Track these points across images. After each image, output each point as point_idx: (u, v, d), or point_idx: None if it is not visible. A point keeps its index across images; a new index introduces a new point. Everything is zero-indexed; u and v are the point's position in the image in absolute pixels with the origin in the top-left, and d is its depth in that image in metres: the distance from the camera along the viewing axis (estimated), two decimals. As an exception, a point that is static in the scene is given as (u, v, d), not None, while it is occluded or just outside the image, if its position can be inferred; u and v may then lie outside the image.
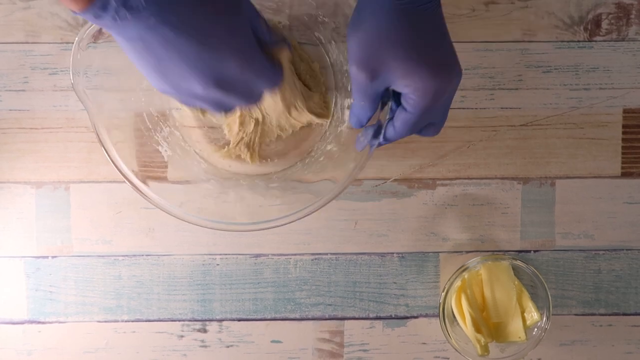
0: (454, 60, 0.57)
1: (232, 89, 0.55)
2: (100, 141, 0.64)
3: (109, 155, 0.64)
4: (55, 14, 0.73)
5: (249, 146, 0.73)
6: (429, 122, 0.60)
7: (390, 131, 0.60)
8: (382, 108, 0.60)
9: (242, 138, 0.73)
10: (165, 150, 0.71)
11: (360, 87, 0.57)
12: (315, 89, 0.72)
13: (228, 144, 0.73)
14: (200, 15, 0.51)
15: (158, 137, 0.72)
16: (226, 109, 0.59)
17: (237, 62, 0.54)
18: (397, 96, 0.59)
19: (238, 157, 0.73)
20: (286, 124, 0.72)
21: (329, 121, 0.73)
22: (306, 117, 0.71)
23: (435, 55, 0.55)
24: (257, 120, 0.72)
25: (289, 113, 0.70)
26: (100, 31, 0.63)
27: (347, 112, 0.71)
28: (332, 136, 0.72)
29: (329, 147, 0.72)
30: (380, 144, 0.62)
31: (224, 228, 0.65)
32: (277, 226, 0.64)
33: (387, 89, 0.58)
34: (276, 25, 0.71)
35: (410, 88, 0.56)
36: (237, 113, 0.72)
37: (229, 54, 0.53)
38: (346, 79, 0.72)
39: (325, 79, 0.73)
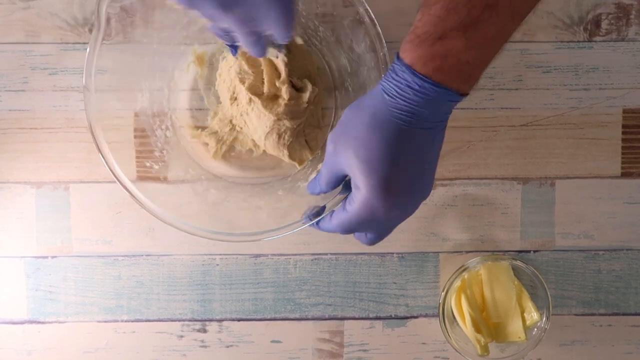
0: (413, 199, 0.56)
1: (238, 12, 0.52)
2: (98, 148, 0.64)
3: (106, 163, 0.64)
4: (55, 14, 0.73)
5: (218, 141, 0.73)
6: (366, 231, 0.60)
7: (325, 221, 0.61)
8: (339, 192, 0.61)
9: (217, 132, 0.73)
10: (165, 151, 0.71)
11: (326, 156, 0.57)
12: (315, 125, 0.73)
13: (205, 128, 0.74)
14: None
15: (158, 137, 0.72)
16: (225, 39, 0.58)
17: None
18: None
19: (205, 144, 0.73)
20: (259, 144, 0.72)
21: (301, 166, 0.73)
22: (280, 154, 0.72)
23: (396, 181, 0.54)
24: (234, 126, 0.73)
25: (268, 143, 0.71)
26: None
27: None
28: None
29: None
30: (312, 226, 0.62)
31: (223, 239, 0.65)
32: (279, 236, 0.64)
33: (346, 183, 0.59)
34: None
35: (357, 190, 0.55)
36: (225, 108, 0.72)
37: None
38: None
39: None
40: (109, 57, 0.68)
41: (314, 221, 0.62)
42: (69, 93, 0.73)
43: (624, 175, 0.75)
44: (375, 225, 0.58)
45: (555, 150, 0.75)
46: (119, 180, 0.64)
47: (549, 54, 0.74)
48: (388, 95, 0.53)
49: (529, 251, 0.75)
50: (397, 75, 0.52)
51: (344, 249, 0.75)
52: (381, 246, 0.75)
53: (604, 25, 0.74)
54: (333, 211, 0.60)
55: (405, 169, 0.54)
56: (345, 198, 0.58)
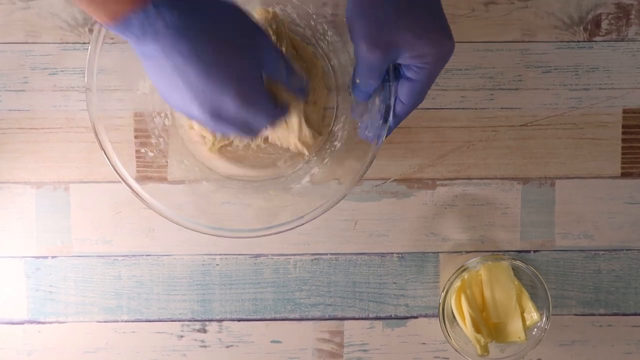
0: (449, 27, 0.58)
1: (227, 122, 0.58)
2: (100, 146, 0.64)
3: (109, 161, 0.64)
4: (55, 14, 0.73)
5: (214, 135, 0.73)
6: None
7: (398, 107, 0.62)
8: (392, 79, 0.61)
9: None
10: (165, 151, 0.71)
11: (369, 66, 0.58)
12: (317, 106, 0.72)
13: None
14: (209, 50, 0.54)
15: (157, 137, 0.72)
16: (223, 135, 0.62)
17: (235, 101, 0.56)
18: (395, 73, 0.60)
19: (202, 137, 0.73)
20: (281, 140, 0.72)
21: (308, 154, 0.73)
22: (290, 145, 0.71)
23: (437, 23, 0.57)
24: None
25: (288, 134, 0.71)
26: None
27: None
28: (340, 135, 0.72)
29: (336, 146, 0.72)
30: (391, 129, 0.63)
31: (226, 235, 0.65)
32: (283, 231, 0.64)
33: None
34: (300, 72, 0.70)
35: (420, 56, 0.57)
36: None
37: (227, 92, 0.55)
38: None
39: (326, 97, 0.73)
40: (109, 56, 0.68)
41: (389, 121, 0.62)
42: (69, 93, 0.73)
43: (624, 175, 0.75)
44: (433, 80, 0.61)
45: (555, 150, 0.75)
46: (123, 179, 0.64)
47: (549, 54, 0.74)
48: None
49: (529, 251, 0.75)
50: None
51: (344, 249, 0.75)
52: (381, 246, 0.75)
53: (604, 25, 0.74)
54: (395, 98, 0.61)
55: (434, 9, 0.57)
56: (397, 79, 0.60)
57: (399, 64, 0.59)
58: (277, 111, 0.61)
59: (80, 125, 0.73)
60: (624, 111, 0.75)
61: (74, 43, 0.73)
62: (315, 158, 0.73)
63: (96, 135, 0.64)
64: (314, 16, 0.70)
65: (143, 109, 0.72)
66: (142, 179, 0.70)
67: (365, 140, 0.65)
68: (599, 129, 0.75)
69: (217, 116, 0.57)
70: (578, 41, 0.74)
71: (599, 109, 0.75)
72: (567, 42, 0.74)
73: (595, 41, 0.74)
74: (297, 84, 0.63)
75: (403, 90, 0.60)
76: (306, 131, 0.70)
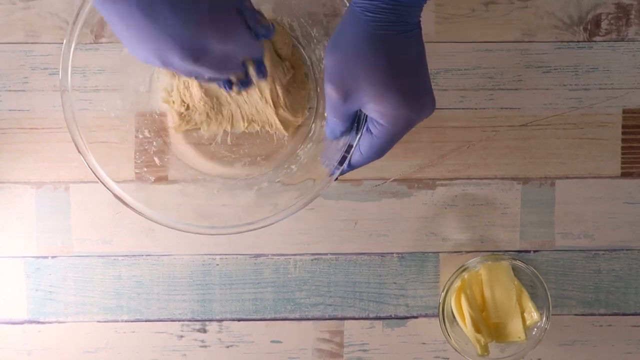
0: (428, 91, 0.57)
1: (208, 62, 0.56)
2: (76, 147, 0.64)
3: (85, 160, 0.64)
4: (55, 14, 0.73)
5: (180, 115, 0.72)
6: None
7: (356, 155, 0.61)
8: (357, 129, 0.61)
9: (182, 101, 0.72)
10: (160, 152, 0.72)
11: (332, 106, 0.58)
12: (300, 86, 0.72)
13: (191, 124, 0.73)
14: None
15: (157, 137, 0.72)
16: (200, 78, 0.61)
17: (217, 36, 0.54)
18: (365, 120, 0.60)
19: (172, 116, 0.72)
20: (256, 116, 0.71)
21: (301, 120, 0.73)
22: (282, 114, 0.71)
23: (408, 85, 0.56)
24: (214, 99, 0.71)
25: (265, 105, 0.70)
26: (100, 30, 0.63)
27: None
28: (316, 136, 0.72)
29: (311, 147, 0.72)
30: (344, 172, 0.63)
31: (206, 232, 0.65)
32: (258, 228, 0.65)
33: (360, 111, 0.59)
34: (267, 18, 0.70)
35: (379, 113, 0.56)
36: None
37: (209, 27, 0.54)
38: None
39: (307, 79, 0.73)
40: (107, 56, 0.68)
41: (344, 166, 0.62)
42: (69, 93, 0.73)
43: (624, 175, 0.75)
44: (400, 137, 0.59)
45: (555, 150, 0.75)
46: (99, 179, 0.65)
47: (549, 54, 0.74)
48: (368, 13, 0.54)
49: (529, 251, 0.75)
50: None
51: (344, 249, 0.75)
52: (381, 246, 0.75)
53: (604, 25, 0.74)
54: (356, 146, 0.61)
55: (412, 73, 0.56)
56: (362, 128, 0.60)
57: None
58: (257, 43, 0.59)
59: (80, 125, 0.73)
60: (624, 111, 0.75)
61: (75, 44, 0.73)
62: (290, 156, 0.73)
63: (73, 139, 0.64)
64: (298, 14, 0.70)
65: (142, 109, 0.72)
66: (140, 179, 0.70)
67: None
68: (599, 129, 0.75)
69: (198, 57, 0.54)
70: (578, 41, 0.74)
71: (599, 109, 0.75)
72: (567, 42, 0.74)
73: (595, 41, 0.74)
74: (263, 25, 0.60)
75: (364, 141, 0.60)
76: (285, 101, 0.70)
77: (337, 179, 0.64)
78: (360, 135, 0.60)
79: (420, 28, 0.57)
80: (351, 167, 0.63)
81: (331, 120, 0.60)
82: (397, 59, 0.55)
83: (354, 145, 0.61)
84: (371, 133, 0.59)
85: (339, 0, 0.64)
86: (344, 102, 0.57)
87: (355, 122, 0.60)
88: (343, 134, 0.61)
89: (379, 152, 0.60)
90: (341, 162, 0.62)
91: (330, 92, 0.56)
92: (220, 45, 0.55)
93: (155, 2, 0.52)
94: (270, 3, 0.71)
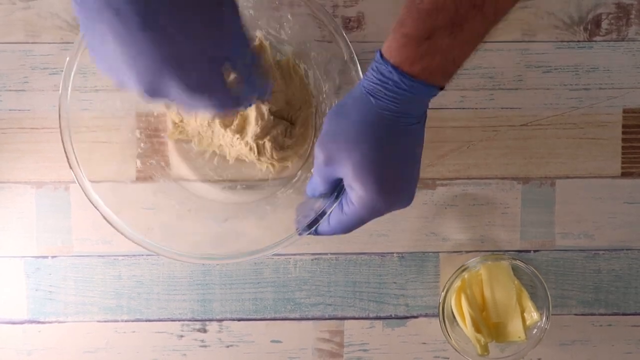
0: (410, 187, 0.57)
1: (166, 100, 0.50)
2: (64, 149, 0.64)
3: (69, 163, 0.65)
4: (55, 14, 0.73)
5: (175, 123, 0.72)
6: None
7: (324, 226, 0.61)
8: (336, 198, 0.61)
9: (178, 112, 0.71)
10: (165, 151, 0.72)
11: (317, 165, 0.57)
12: (304, 107, 0.72)
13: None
14: (166, 13, 0.46)
15: (156, 137, 0.72)
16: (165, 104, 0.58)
17: (179, 85, 0.48)
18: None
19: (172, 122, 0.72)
20: (242, 155, 0.71)
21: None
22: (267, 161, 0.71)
23: (390, 176, 0.55)
24: (206, 121, 0.70)
25: (249, 153, 0.70)
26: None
27: None
28: (299, 184, 0.72)
29: (291, 194, 0.72)
30: (311, 234, 0.63)
31: (191, 261, 0.65)
32: (253, 258, 0.65)
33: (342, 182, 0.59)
34: (266, 70, 0.68)
35: (355, 194, 0.55)
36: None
37: (171, 75, 0.47)
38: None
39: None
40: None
41: (312, 230, 0.62)
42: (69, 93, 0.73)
43: (624, 175, 0.75)
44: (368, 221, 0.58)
45: (555, 150, 0.75)
46: (78, 181, 0.65)
47: (549, 54, 0.74)
48: (374, 97, 0.53)
49: (529, 251, 0.75)
50: (383, 76, 0.53)
51: (344, 248, 0.75)
52: (381, 246, 0.75)
53: (604, 25, 0.74)
54: (328, 215, 0.61)
55: (398, 165, 0.55)
56: (339, 200, 0.59)
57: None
58: (231, 101, 0.52)
59: (81, 125, 0.73)
60: (624, 111, 0.75)
61: (74, 43, 0.73)
62: (269, 195, 0.73)
63: (62, 138, 0.64)
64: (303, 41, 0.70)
65: (142, 110, 0.72)
66: (143, 179, 0.70)
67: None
68: (599, 129, 0.75)
69: (154, 94, 0.48)
70: (578, 41, 0.74)
71: (599, 109, 0.75)
72: (567, 42, 0.74)
73: (595, 41, 0.74)
74: (259, 82, 0.54)
75: (335, 213, 0.59)
76: (273, 153, 0.70)
77: (300, 234, 0.64)
78: (334, 206, 0.60)
79: (423, 121, 0.56)
80: (317, 233, 0.62)
81: (315, 178, 0.59)
82: (388, 148, 0.54)
83: (327, 214, 0.61)
84: (342, 209, 0.58)
85: (354, 73, 0.64)
86: (325, 166, 0.56)
87: (336, 190, 0.60)
88: (322, 195, 0.61)
89: (345, 229, 0.59)
90: (310, 226, 0.62)
91: (317, 152, 0.56)
92: (179, 93, 0.48)
93: (132, 27, 0.45)
94: (293, 46, 0.71)
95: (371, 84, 0.53)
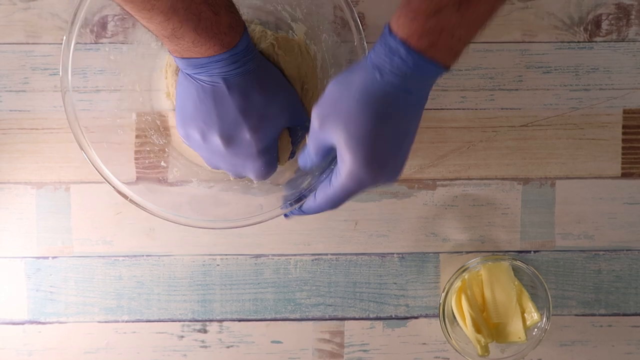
0: (398, 164, 0.56)
1: (226, 162, 0.65)
2: (79, 145, 0.64)
3: (87, 157, 0.64)
4: (56, 14, 0.73)
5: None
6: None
7: (309, 202, 0.62)
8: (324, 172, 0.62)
9: None
10: (165, 152, 0.72)
11: (311, 131, 0.57)
12: (311, 88, 0.72)
13: None
14: (262, 97, 0.62)
15: (156, 137, 0.72)
16: (211, 166, 0.68)
17: (254, 146, 0.63)
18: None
19: None
20: None
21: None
22: None
23: (381, 151, 0.54)
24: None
25: None
26: (101, 30, 0.63)
27: None
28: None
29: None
30: (294, 214, 0.64)
31: (211, 226, 0.65)
32: (257, 223, 0.65)
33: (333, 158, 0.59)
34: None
35: (343, 164, 0.55)
36: None
37: (253, 135, 0.62)
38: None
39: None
40: (107, 56, 0.68)
41: (295, 208, 0.63)
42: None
43: (624, 175, 0.75)
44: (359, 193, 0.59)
45: (555, 150, 0.75)
46: (106, 180, 0.64)
47: (549, 55, 0.74)
48: (379, 71, 0.53)
49: (529, 251, 0.75)
50: (389, 50, 0.53)
51: (344, 249, 0.75)
52: (381, 246, 0.75)
53: (604, 25, 0.74)
54: (314, 192, 0.61)
55: (391, 141, 0.55)
56: (329, 176, 0.59)
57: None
58: (272, 171, 0.66)
59: (81, 125, 0.73)
60: (624, 111, 0.75)
61: (74, 43, 0.73)
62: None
63: (77, 139, 0.64)
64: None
65: (142, 109, 0.72)
66: (141, 179, 0.70)
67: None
68: (599, 129, 0.75)
69: (225, 152, 0.63)
70: (578, 41, 0.74)
71: (599, 110, 0.75)
72: (568, 42, 0.74)
73: (595, 41, 0.74)
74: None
75: (321, 189, 0.60)
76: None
77: (286, 215, 0.64)
78: (323, 180, 0.60)
79: (424, 101, 0.56)
80: (302, 212, 0.63)
81: (308, 146, 0.59)
82: (384, 122, 0.54)
83: (314, 191, 0.61)
84: (330, 182, 0.58)
85: (362, 56, 0.64)
86: (319, 132, 0.56)
87: (326, 164, 0.61)
88: (312, 168, 0.61)
89: (331, 202, 0.59)
90: (297, 201, 0.63)
91: (313, 117, 0.56)
92: (248, 153, 0.64)
93: (244, 92, 0.61)
94: (306, 26, 0.70)
95: (378, 57, 0.53)
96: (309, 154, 0.59)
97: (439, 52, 0.52)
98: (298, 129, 0.69)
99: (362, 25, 0.65)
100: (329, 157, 0.60)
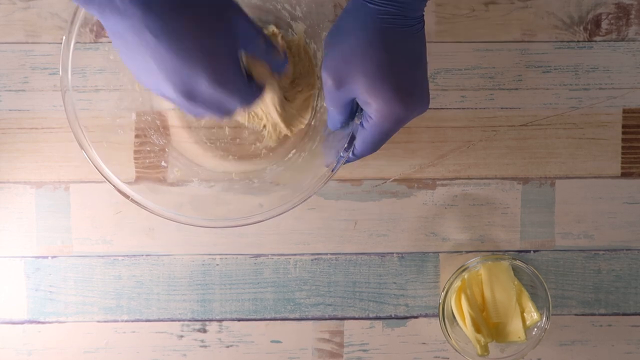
0: (424, 89, 0.57)
1: (201, 102, 0.55)
2: (79, 144, 0.64)
3: (88, 156, 0.64)
4: (55, 14, 0.73)
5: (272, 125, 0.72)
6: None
7: (357, 148, 0.61)
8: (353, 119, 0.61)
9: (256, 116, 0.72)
10: (164, 151, 0.72)
11: (327, 93, 0.57)
12: (305, 89, 0.72)
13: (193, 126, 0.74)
14: (180, 27, 0.52)
15: (156, 137, 0.72)
16: (196, 115, 0.59)
17: (209, 80, 0.54)
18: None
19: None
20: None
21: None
22: (271, 124, 0.71)
23: (403, 80, 0.55)
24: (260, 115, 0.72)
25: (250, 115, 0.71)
26: (100, 29, 0.63)
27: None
28: (314, 136, 0.72)
29: (310, 147, 0.72)
30: (349, 160, 0.63)
31: (212, 225, 0.66)
32: (255, 222, 0.65)
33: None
34: (283, 45, 0.70)
35: (371, 108, 0.56)
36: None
37: (201, 70, 0.53)
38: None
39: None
40: (107, 56, 0.68)
41: (349, 153, 0.61)
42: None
43: (624, 175, 0.75)
44: (393, 133, 0.59)
45: (555, 150, 0.75)
46: (107, 179, 0.64)
47: (549, 54, 0.74)
48: (373, 3, 0.54)
49: (529, 251, 0.75)
50: None
51: (344, 249, 0.75)
52: (381, 246, 0.75)
53: (604, 25, 0.74)
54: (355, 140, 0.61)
55: (408, 68, 0.55)
56: (360, 122, 0.59)
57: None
58: (252, 91, 0.58)
59: (81, 125, 0.73)
60: (624, 111, 0.75)
61: (74, 43, 0.73)
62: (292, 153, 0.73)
63: (77, 139, 0.64)
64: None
65: (142, 108, 0.72)
66: (141, 179, 0.70)
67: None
68: (599, 129, 0.75)
69: (190, 96, 0.54)
70: (578, 41, 0.74)
71: (599, 109, 0.75)
72: (567, 42, 0.74)
73: (595, 41, 0.74)
74: (277, 60, 0.61)
75: (359, 134, 0.59)
76: (290, 111, 0.70)
77: (333, 170, 0.63)
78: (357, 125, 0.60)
79: (422, 23, 0.56)
80: (355, 156, 0.62)
81: (330, 110, 0.59)
82: (395, 53, 0.54)
83: (352, 135, 0.60)
84: (363, 127, 0.58)
85: None
86: (337, 90, 0.56)
87: (355, 113, 0.60)
88: (343, 125, 0.61)
89: (371, 146, 0.59)
90: (347, 149, 0.61)
91: (325, 79, 0.56)
92: (210, 88, 0.54)
93: (148, 39, 0.52)
94: (306, 25, 0.70)
95: None
96: (334, 114, 0.59)
97: None
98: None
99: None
100: (354, 107, 0.59)
